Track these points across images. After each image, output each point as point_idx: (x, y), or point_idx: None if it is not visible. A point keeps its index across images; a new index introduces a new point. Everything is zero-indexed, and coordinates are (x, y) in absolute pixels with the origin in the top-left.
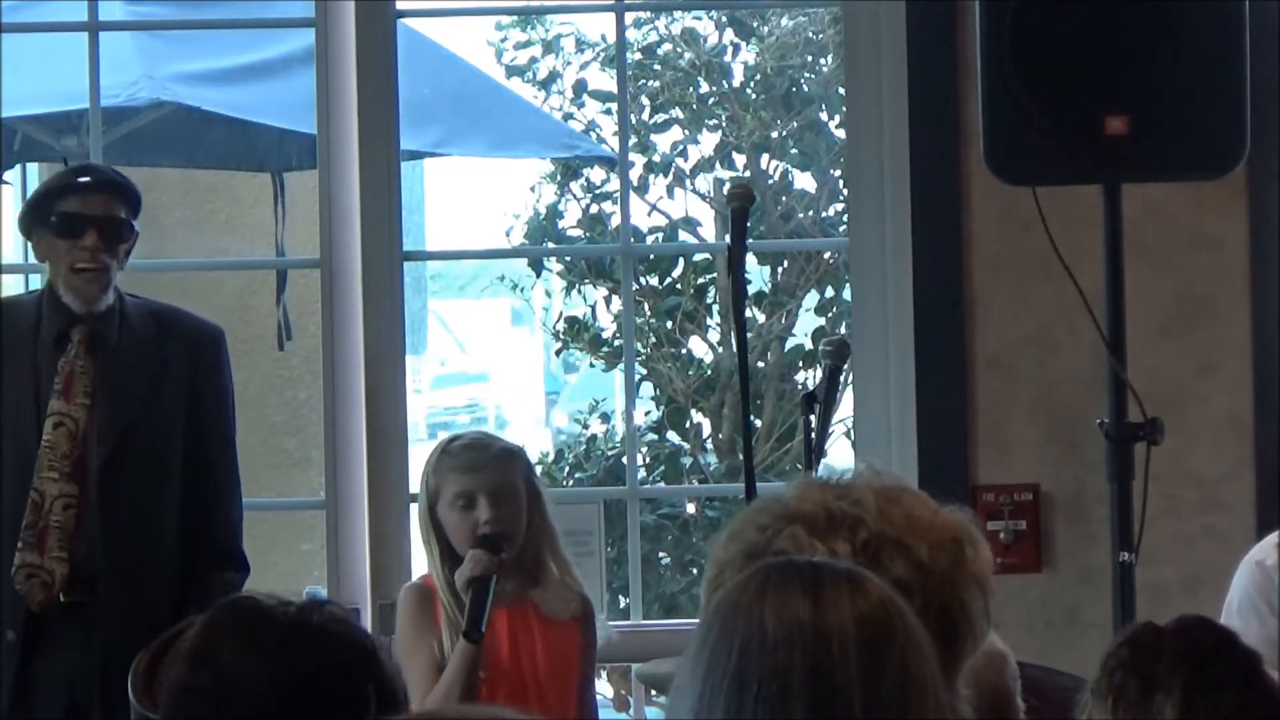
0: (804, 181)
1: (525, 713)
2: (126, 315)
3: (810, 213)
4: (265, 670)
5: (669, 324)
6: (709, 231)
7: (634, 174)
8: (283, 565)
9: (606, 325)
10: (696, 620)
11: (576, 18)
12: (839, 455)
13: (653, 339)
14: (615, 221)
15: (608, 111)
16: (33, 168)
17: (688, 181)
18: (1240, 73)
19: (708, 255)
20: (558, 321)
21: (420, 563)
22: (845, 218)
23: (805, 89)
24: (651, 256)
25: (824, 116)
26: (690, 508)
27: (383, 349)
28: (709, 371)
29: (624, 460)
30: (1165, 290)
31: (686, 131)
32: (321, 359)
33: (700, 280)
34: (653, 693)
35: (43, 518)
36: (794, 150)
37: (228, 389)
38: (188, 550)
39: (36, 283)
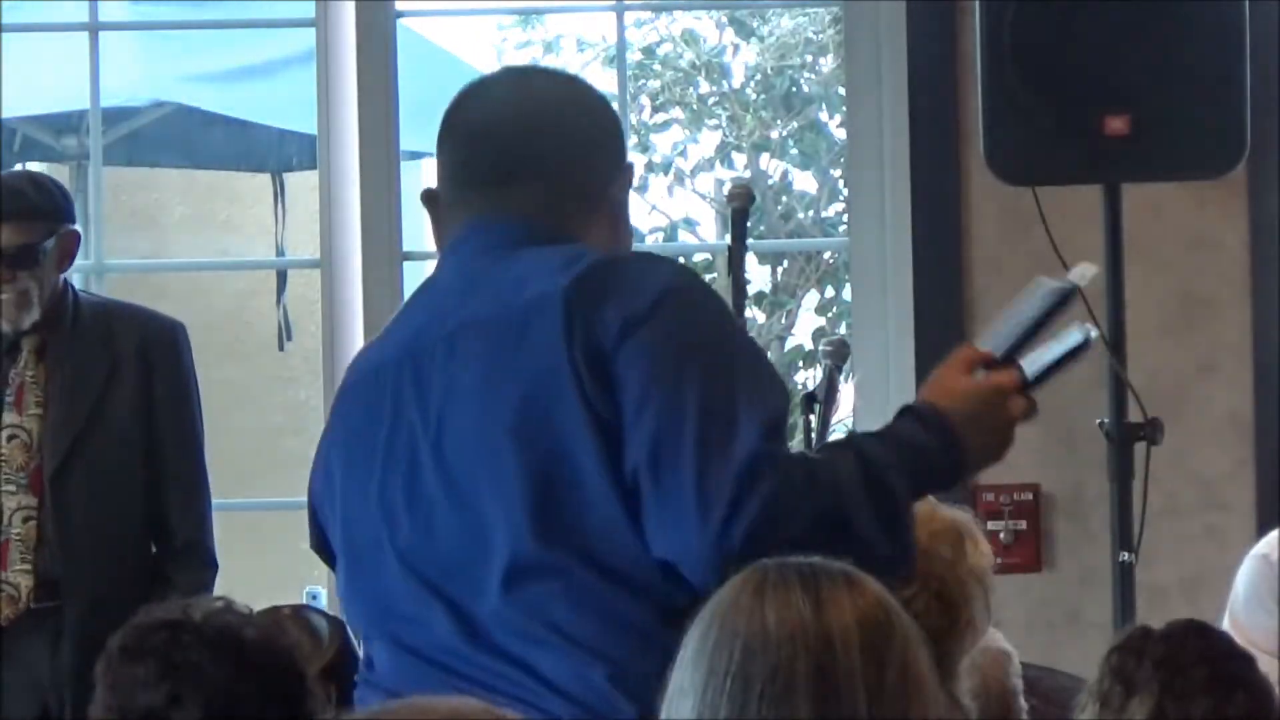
0: (804, 181)
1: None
2: (80, 318)
3: (810, 213)
4: (158, 678)
5: None
6: (709, 231)
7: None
8: (282, 565)
9: None
10: None
11: (576, 17)
12: None
13: None
14: None
15: None
16: (33, 168)
17: (688, 181)
18: (1240, 73)
19: (708, 255)
20: None
21: None
22: (845, 218)
23: (805, 89)
24: None
25: (824, 116)
26: None
27: None
28: None
29: None
30: (1165, 290)
31: (686, 131)
32: (321, 359)
33: None
34: None
35: (2, 531)
36: (794, 150)
37: (186, 383)
38: (154, 550)
39: None
